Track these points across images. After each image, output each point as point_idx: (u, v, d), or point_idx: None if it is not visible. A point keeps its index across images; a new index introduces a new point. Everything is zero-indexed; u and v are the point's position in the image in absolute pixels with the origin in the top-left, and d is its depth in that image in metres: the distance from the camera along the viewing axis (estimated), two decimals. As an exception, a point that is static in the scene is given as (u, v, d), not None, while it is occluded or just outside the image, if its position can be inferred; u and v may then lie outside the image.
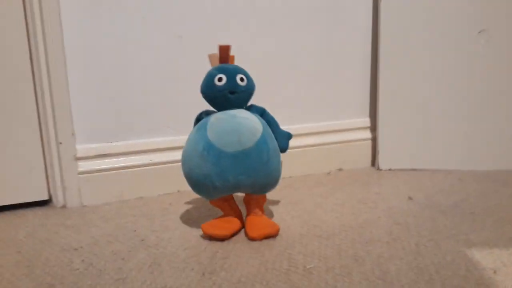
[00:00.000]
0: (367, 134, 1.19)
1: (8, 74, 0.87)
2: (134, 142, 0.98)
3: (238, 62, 0.73)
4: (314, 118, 1.15)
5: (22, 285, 0.61)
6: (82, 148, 0.94)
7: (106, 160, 0.96)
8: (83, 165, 0.94)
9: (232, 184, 0.71)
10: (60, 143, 0.91)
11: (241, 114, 0.73)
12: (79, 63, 0.92)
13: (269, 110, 0.79)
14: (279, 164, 0.75)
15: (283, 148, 0.78)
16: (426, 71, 1.11)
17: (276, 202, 0.94)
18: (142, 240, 0.76)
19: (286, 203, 0.93)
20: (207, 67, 1.09)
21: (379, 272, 0.63)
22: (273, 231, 0.75)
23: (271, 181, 0.75)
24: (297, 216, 0.85)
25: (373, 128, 1.19)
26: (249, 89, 0.75)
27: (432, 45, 1.10)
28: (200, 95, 0.76)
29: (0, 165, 0.89)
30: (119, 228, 0.81)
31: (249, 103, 0.78)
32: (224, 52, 0.75)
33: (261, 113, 0.78)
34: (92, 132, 0.95)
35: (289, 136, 0.79)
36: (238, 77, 0.73)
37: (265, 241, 0.74)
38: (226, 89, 0.72)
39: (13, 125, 0.89)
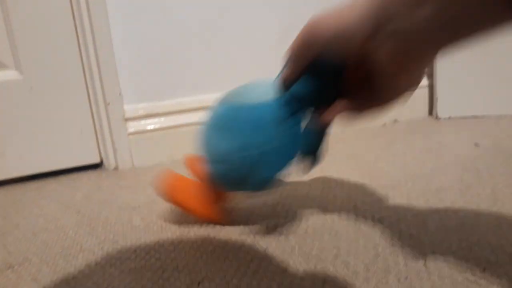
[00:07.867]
0: (423, 81, 1.12)
1: (52, 34, 0.85)
2: (181, 100, 0.96)
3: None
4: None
5: (86, 241, 0.61)
6: (130, 109, 0.92)
7: (156, 119, 0.94)
8: (133, 126, 0.93)
9: None
10: (108, 103, 0.90)
11: None
12: (120, 20, 0.89)
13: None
14: None
15: None
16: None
17: (331, 156, 0.89)
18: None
19: (342, 157, 0.88)
20: (251, 22, 1.03)
21: (456, 220, 0.58)
22: None
23: None
24: (358, 169, 0.81)
25: (430, 74, 1.11)
26: None
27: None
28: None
29: (51, 129, 0.89)
30: (174, 186, 0.80)
31: None
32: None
33: None
34: (139, 91, 0.93)
35: None
36: None
37: (326, 194, 0.70)
38: None
39: (60, 87, 0.88)
